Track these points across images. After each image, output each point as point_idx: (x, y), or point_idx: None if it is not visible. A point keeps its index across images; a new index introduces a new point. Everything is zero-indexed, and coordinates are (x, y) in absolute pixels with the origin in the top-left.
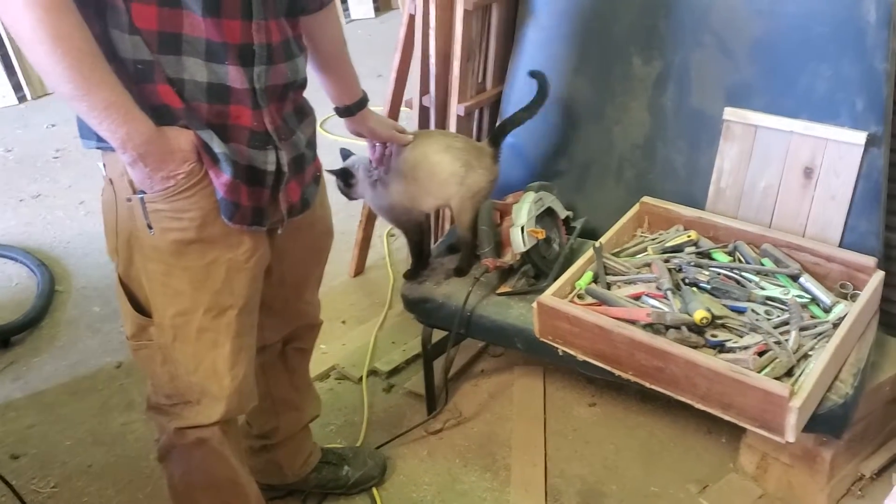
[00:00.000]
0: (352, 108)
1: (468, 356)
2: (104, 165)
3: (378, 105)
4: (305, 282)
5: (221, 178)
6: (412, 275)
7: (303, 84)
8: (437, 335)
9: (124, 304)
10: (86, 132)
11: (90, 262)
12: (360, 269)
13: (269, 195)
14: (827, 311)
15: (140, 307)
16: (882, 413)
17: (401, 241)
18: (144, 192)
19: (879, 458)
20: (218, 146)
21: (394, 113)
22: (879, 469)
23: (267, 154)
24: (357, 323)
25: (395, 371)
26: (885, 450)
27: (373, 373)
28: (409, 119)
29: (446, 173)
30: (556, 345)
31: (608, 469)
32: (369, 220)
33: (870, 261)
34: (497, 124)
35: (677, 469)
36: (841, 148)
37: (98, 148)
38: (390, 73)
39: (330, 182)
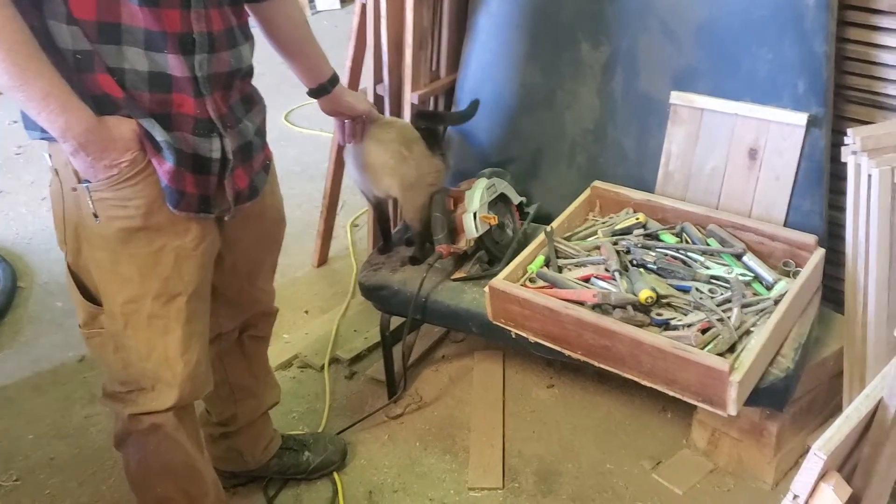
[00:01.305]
0: (326, 86)
1: (429, 342)
2: (49, 156)
3: None
4: (258, 270)
5: (164, 166)
6: (381, 250)
7: (248, 72)
8: (397, 322)
9: (74, 293)
10: (30, 123)
11: (52, 258)
12: (323, 260)
13: (215, 182)
14: (769, 288)
15: (90, 295)
16: (827, 387)
17: (364, 231)
18: (89, 182)
19: (825, 431)
20: (160, 134)
21: None
22: None
23: (211, 142)
24: (320, 312)
25: (357, 358)
26: (830, 423)
27: (335, 361)
28: None
29: (378, 165)
30: (508, 327)
31: (564, 448)
32: (331, 211)
33: (810, 238)
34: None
35: (632, 447)
36: (784, 129)
37: (42, 139)
38: (345, 62)
39: (282, 171)
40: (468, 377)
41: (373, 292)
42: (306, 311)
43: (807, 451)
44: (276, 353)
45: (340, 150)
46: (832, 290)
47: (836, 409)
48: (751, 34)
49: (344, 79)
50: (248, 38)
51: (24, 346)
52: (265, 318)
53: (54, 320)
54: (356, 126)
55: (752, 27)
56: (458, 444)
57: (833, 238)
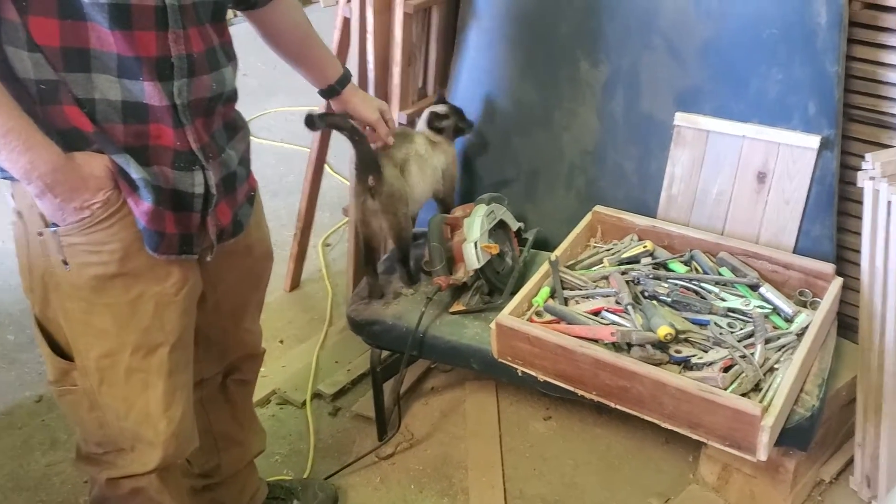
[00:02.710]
0: (335, 87)
1: (417, 373)
2: (12, 196)
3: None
4: (244, 309)
5: (142, 206)
6: (373, 292)
7: (232, 96)
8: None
9: (43, 347)
10: None
11: (1, 287)
12: (295, 284)
13: (198, 220)
14: (788, 320)
15: (61, 350)
16: (838, 417)
17: (337, 252)
18: (57, 225)
19: (837, 461)
20: (136, 171)
21: None
22: (837, 473)
23: (193, 175)
24: (296, 342)
25: (340, 393)
26: (841, 453)
27: (317, 396)
28: None
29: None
30: (515, 365)
31: (568, 486)
32: (305, 231)
33: (828, 268)
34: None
35: (637, 483)
36: (794, 152)
37: (4, 178)
38: None
39: (266, 201)
40: (460, 410)
41: (364, 327)
42: (281, 341)
43: (819, 484)
44: None
45: (318, 165)
46: (838, 314)
47: (845, 438)
48: (760, 53)
49: None
50: (232, 58)
51: None
52: (251, 360)
53: (7, 355)
54: (380, 129)
55: (762, 46)
56: (456, 484)
57: (840, 261)
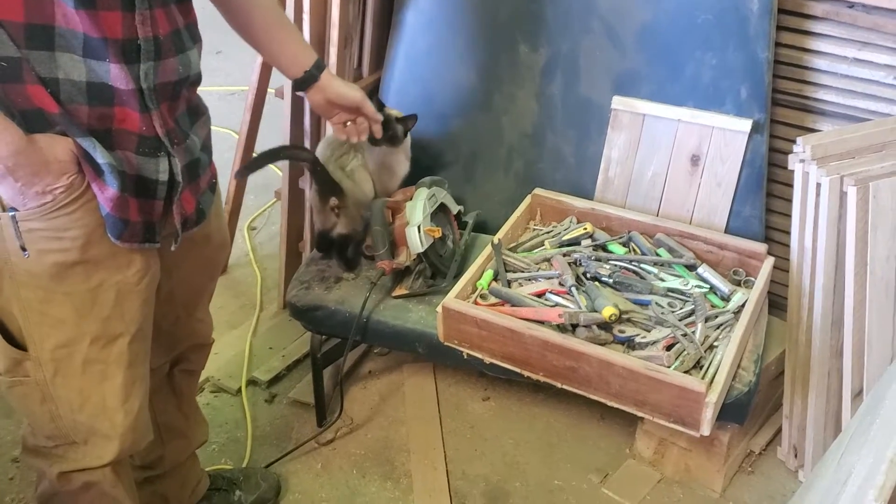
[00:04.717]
0: (313, 73)
1: (354, 357)
2: None
3: (241, 87)
4: (198, 298)
5: (107, 192)
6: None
7: (196, 80)
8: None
9: None
10: None
11: None
12: (224, 268)
13: (161, 207)
14: (725, 299)
15: (13, 339)
16: (766, 391)
17: (264, 235)
18: (16, 210)
19: (765, 433)
20: (101, 156)
21: (259, 102)
22: (766, 444)
23: (158, 162)
24: (228, 328)
25: (276, 379)
26: (769, 425)
27: (252, 383)
28: (276, 109)
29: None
30: (461, 349)
31: (509, 465)
32: (233, 215)
33: (761, 248)
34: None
35: (577, 460)
36: (727, 135)
37: None
38: (255, 58)
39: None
40: (399, 393)
41: (305, 313)
42: (212, 328)
43: (749, 455)
44: None
45: (247, 149)
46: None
47: (773, 410)
48: (695, 38)
49: (253, 77)
50: (197, 40)
51: None
52: (200, 350)
53: None
54: (359, 121)
55: (697, 31)
56: (399, 468)
57: (768, 241)
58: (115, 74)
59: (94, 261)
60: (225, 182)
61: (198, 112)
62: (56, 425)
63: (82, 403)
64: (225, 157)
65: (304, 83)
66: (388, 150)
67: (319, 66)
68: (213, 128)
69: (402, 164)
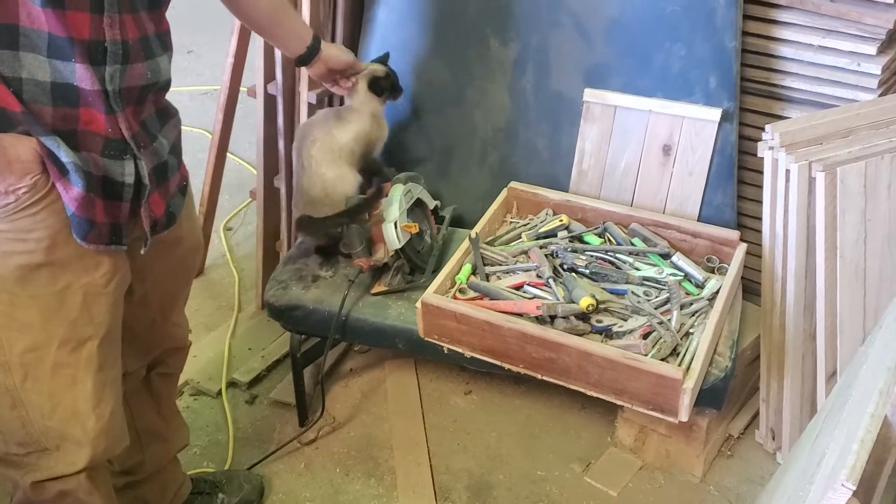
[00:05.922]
0: (315, 47)
1: (335, 355)
2: None
3: (213, 86)
4: (173, 302)
5: (72, 192)
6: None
7: (165, 86)
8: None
9: None
10: None
11: None
12: (200, 270)
13: (128, 210)
14: (699, 286)
15: None
16: (743, 375)
17: (240, 235)
18: None
19: (743, 417)
20: (66, 155)
21: (231, 101)
22: (744, 427)
23: (124, 164)
24: (206, 330)
25: (256, 380)
26: (746, 409)
27: (232, 384)
28: (249, 108)
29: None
30: (442, 343)
31: (492, 458)
32: (208, 217)
33: (734, 234)
34: None
35: (559, 450)
36: (697, 125)
37: None
38: (226, 58)
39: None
40: (381, 390)
41: (284, 313)
42: (190, 330)
43: (728, 439)
44: None
45: (221, 149)
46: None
47: (750, 395)
48: (663, 30)
49: (224, 76)
50: (167, 48)
51: None
52: (177, 354)
53: None
54: (358, 66)
55: (665, 22)
56: (382, 465)
57: (740, 227)
58: (80, 75)
59: (59, 263)
60: (198, 183)
61: (167, 114)
62: (27, 431)
63: (53, 408)
64: (198, 157)
65: (308, 57)
66: (378, 103)
67: (317, 37)
68: (184, 128)
69: (383, 117)
